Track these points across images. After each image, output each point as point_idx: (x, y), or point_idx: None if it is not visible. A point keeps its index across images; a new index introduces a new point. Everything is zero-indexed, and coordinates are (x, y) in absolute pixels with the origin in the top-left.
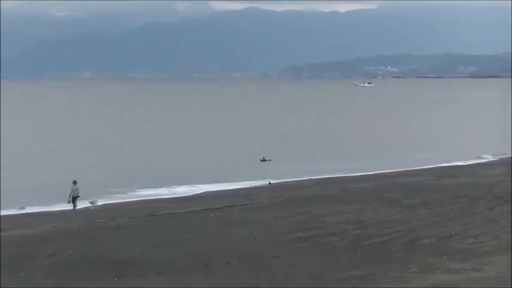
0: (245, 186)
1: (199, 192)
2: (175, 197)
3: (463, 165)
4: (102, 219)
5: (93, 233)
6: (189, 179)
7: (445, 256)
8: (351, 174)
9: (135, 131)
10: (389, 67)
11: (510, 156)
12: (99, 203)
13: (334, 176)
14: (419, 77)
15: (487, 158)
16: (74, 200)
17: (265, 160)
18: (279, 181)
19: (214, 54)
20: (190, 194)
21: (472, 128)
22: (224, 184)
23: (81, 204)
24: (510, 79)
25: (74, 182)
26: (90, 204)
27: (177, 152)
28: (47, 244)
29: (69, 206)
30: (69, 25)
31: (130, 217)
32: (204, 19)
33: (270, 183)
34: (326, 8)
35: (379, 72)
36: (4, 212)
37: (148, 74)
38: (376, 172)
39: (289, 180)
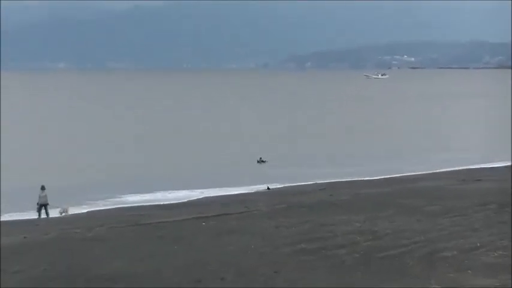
0: (241, 192)
1: (190, 198)
2: (162, 204)
3: (489, 168)
4: (79, 229)
5: (69, 244)
6: (178, 183)
7: (469, 271)
8: (361, 178)
9: (124, 130)
10: (405, 56)
11: None
12: (72, 211)
13: (343, 180)
14: (439, 68)
15: None
16: (42, 208)
17: (262, 161)
18: (279, 186)
19: (207, 42)
20: (180, 201)
21: (500, 125)
22: (218, 189)
23: (54, 213)
24: None
25: (42, 188)
26: (60, 214)
27: (166, 153)
28: (17, 258)
29: (43, 214)
30: (39, 8)
31: (111, 227)
32: (196, 3)
33: (268, 188)
34: None
35: (394, 62)
36: None
37: (130, 65)
38: (390, 176)
39: (291, 184)
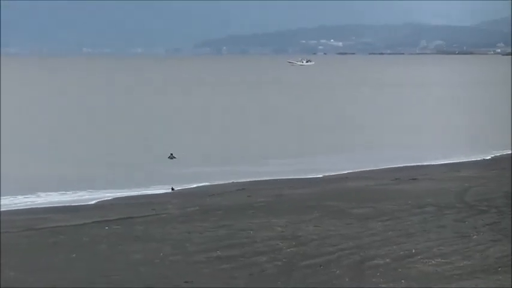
0: (149, 192)
1: (90, 200)
2: (60, 206)
3: (426, 166)
4: None
5: None
6: (77, 183)
7: (403, 281)
8: (284, 178)
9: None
10: (332, 41)
11: (494, 155)
12: None
13: (264, 179)
14: (371, 54)
15: (455, 157)
16: None
17: (174, 157)
18: (191, 186)
19: (108, 26)
20: (79, 204)
21: (437, 119)
22: (122, 190)
23: None
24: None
25: None
26: None
27: (62, 150)
28: None
29: None
30: None
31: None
32: None
33: (172, 189)
34: None
35: (320, 47)
36: None
37: (24, 50)
38: (316, 175)
39: (205, 184)
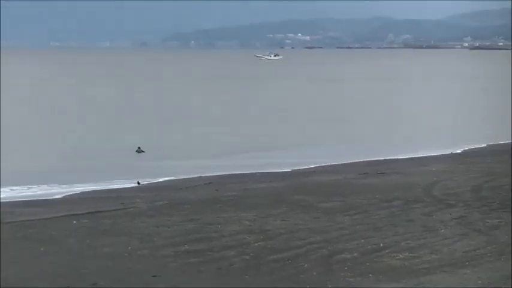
0: (117, 187)
1: (59, 194)
2: (28, 200)
3: (394, 160)
4: None
5: None
6: (45, 177)
7: (370, 275)
8: (251, 172)
9: None
10: (300, 35)
11: (464, 149)
12: None
13: (231, 173)
14: (338, 48)
15: (424, 151)
16: None
17: (142, 151)
18: (158, 180)
19: (76, 18)
20: (48, 197)
21: (403, 113)
22: (91, 183)
23: None
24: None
25: None
26: None
27: (29, 143)
28: None
29: None
30: None
31: None
32: None
33: (138, 183)
34: None
35: (288, 41)
36: None
37: None
38: (284, 169)
39: (172, 178)
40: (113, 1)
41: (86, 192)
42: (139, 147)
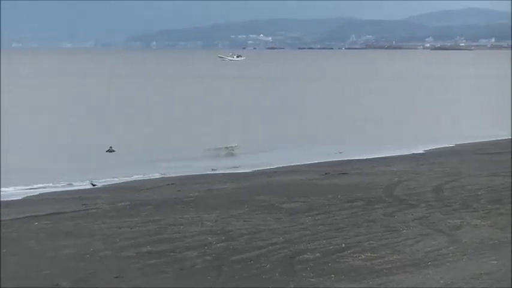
0: (78, 187)
1: (19, 195)
2: None
3: (356, 161)
4: None
5: None
6: (5, 178)
7: (332, 275)
8: (213, 172)
9: None
10: (262, 35)
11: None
12: None
13: (193, 174)
14: (300, 48)
15: (386, 151)
16: None
17: (113, 151)
18: (120, 180)
19: (38, 19)
20: (8, 199)
21: (364, 113)
22: (52, 184)
23: None
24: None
25: None
26: None
27: None
28: None
29: None
30: None
31: None
32: None
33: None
34: None
35: (250, 41)
36: None
37: None
38: (245, 170)
39: (134, 179)
40: (75, 1)
41: (47, 193)
42: (110, 147)
